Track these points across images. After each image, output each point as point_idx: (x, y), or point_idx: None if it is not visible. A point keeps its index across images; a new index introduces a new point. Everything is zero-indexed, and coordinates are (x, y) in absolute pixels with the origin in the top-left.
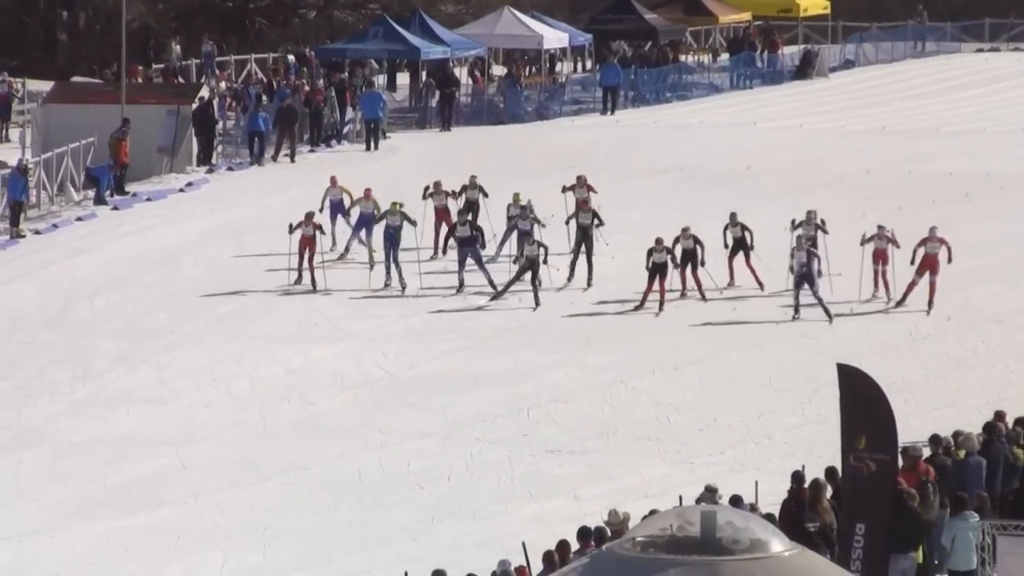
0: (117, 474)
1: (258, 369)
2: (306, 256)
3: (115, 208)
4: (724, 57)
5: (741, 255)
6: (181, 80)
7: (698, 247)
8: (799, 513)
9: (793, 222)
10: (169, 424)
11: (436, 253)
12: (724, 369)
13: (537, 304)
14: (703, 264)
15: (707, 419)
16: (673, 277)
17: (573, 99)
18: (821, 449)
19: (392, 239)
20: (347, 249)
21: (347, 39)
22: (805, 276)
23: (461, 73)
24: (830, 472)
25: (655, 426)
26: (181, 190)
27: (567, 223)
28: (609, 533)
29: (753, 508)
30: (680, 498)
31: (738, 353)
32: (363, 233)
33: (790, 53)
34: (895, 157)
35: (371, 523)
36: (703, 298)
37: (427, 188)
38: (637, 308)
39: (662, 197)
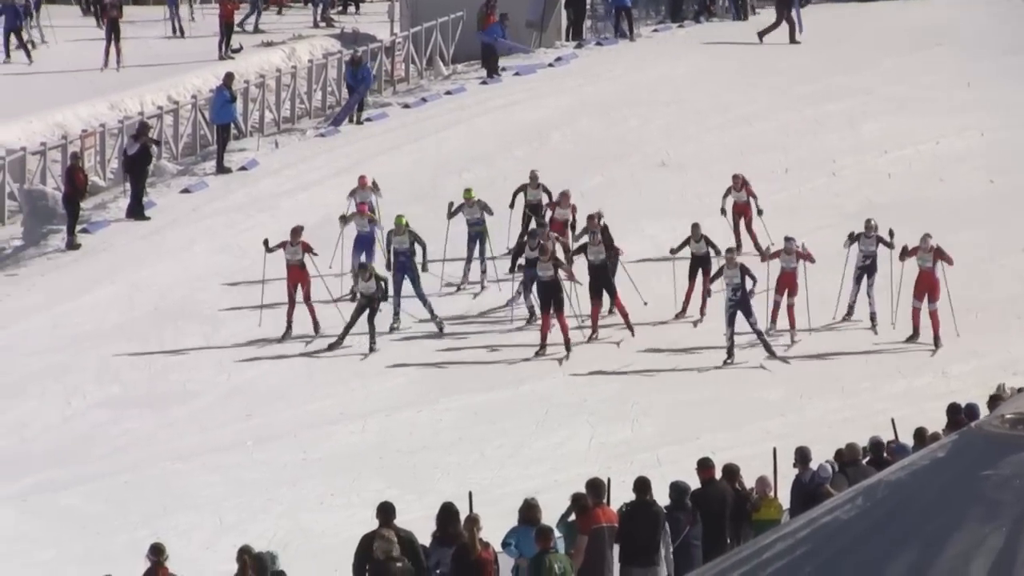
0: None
1: (627, 257)
2: (298, 293)
3: (483, 83)
4: None
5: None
6: None
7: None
8: None
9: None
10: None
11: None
12: None
13: (372, 350)
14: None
15: None
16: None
17: None
18: None
19: (404, 267)
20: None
21: None
22: (740, 303)
23: None
24: None
25: (1023, 304)
26: (550, 65)
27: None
28: (985, 412)
29: None
30: None
31: None
32: (363, 256)
33: None
34: None
35: (738, 400)
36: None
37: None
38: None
39: None
